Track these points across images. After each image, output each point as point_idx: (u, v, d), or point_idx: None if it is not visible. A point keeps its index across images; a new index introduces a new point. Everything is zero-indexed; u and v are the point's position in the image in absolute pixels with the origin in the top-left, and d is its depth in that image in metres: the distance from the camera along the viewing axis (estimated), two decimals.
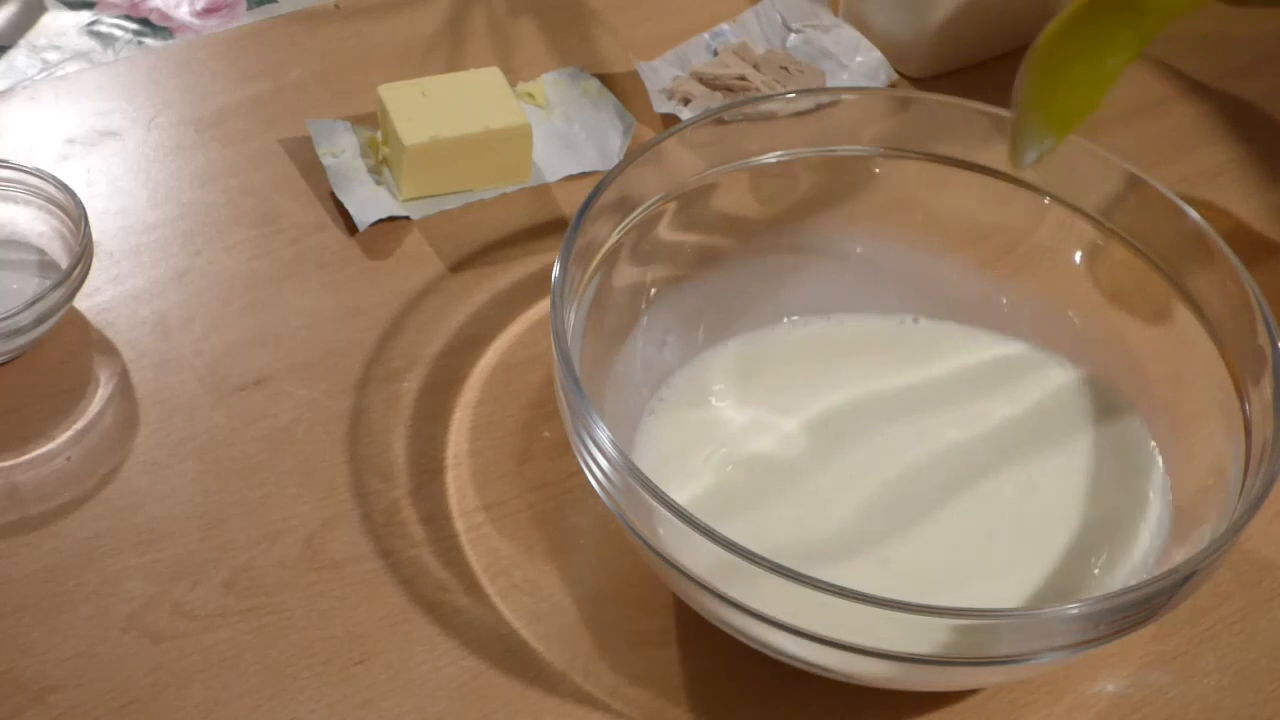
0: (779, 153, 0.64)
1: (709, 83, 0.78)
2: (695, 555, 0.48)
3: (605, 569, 0.57)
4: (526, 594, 0.57)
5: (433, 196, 0.72)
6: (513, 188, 0.73)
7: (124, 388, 0.63)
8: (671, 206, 0.62)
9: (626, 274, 0.61)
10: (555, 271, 0.54)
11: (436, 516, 0.59)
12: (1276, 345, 0.53)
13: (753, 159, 0.63)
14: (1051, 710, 0.54)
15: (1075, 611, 0.47)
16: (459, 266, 0.69)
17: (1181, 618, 0.57)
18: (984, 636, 0.48)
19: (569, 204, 0.73)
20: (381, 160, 0.74)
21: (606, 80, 0.79)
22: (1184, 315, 0.58)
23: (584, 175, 0.74)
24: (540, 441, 0.62)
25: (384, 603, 0.56)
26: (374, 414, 0.63)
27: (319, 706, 0.53)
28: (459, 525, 0.59)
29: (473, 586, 0.57)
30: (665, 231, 0.62)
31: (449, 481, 0.60)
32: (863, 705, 0.54)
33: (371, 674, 0.54)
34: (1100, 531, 0.56)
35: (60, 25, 0.85)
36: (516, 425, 0.62)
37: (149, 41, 0.84)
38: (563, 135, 0.76)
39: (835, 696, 0.54)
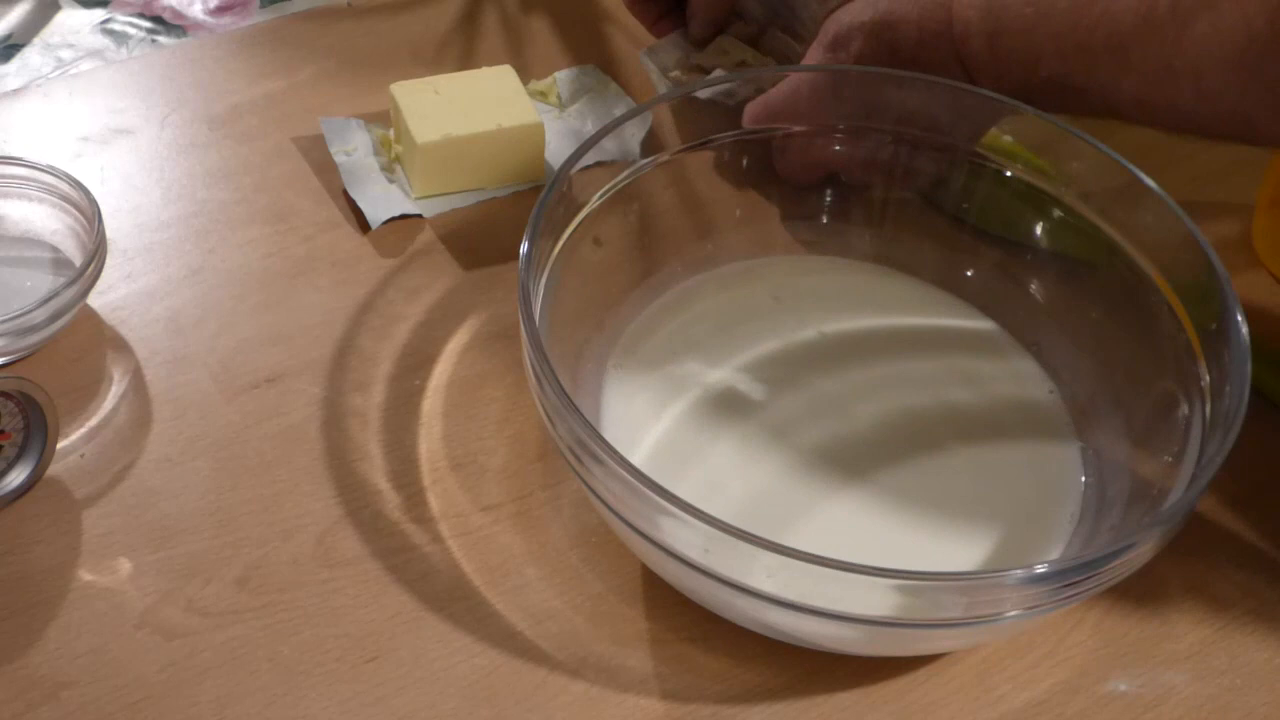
0: (761, 128, 0.65)
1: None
2: (655, 520, 0.49)
3: (620, 567, 0.57)
4: (540, 591, 0.57)
5: (445, 194, 0.72)
6: (525, 185, 0.73)
7: (137, 385, 0.63)
8: (651, 173, 0.63)
9: (596, 245, 0.61)
10: (523, 247, 0.54)
11: (450, 513, 0.59)
12: (1237, 321, 0.53)
13: (733, 133, 0.65)
14: (1065, 709, 0.54)
15: (1021, 575, 0.47)
16: (472, 264, 0.69)
17: (1195, 618, 0.57)
18: (935, 599, 0.49)
19: None
20: (394, 158, 0.74)
21: (619, 78, 0.79)
22: (1152, 295, 0.59)
23: None
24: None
25: (396, 600, 0.56)
26: (387, 411, 0.63)
27: (331, 703, 0.53)
28: (473, 522, 0.59)
29: (486, 583, 0.57)
30: (641, 200, 0.63)
31: (463, 478, 0.60)
32: (880, 679, 0.54)
33: (383, 671, 0.54)
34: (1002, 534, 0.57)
35: (74, 23, 0.85)
36: (530, 422, 0.62)
37: (162, 39, 0.84)
38: (576, 133, 0.76)
39: (862, 675, 0.54)
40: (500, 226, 0.71)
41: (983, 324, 0.64)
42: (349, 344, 0.66)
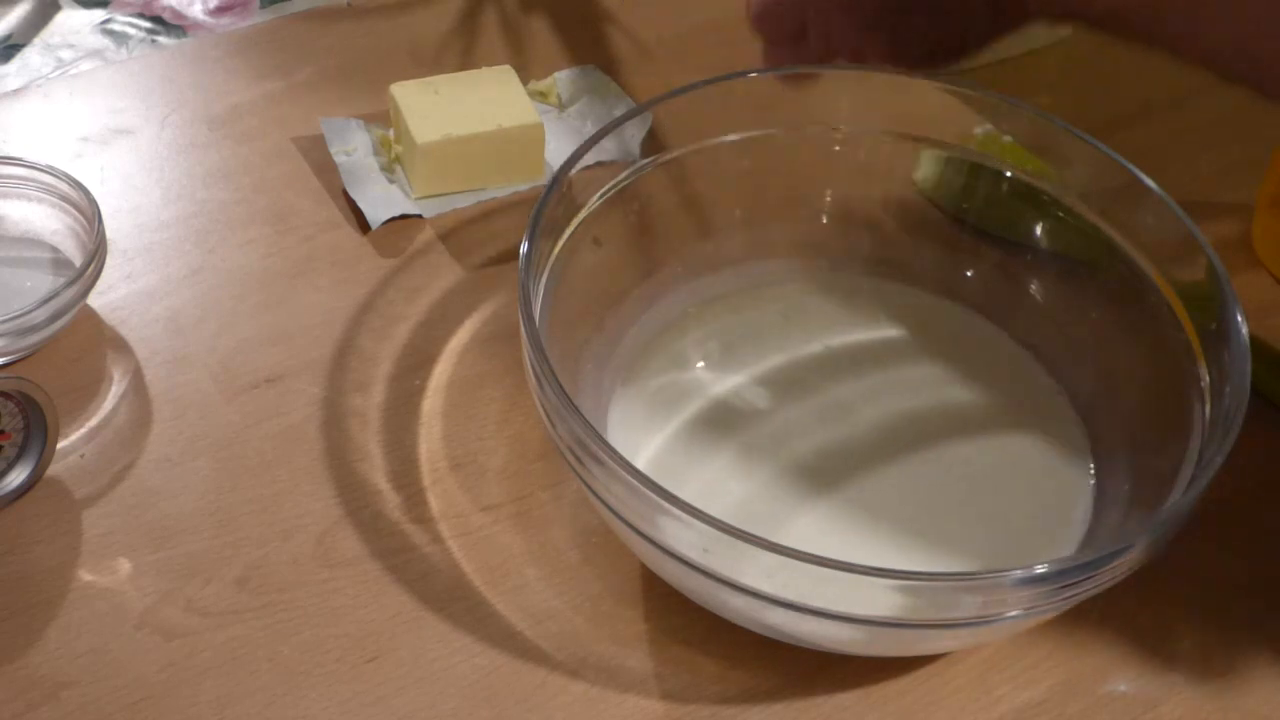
0: (761, 129, 0.65)
1: None
2: (651, 519, 0.49)
3: (620, 567, 0.57)
4: (540, 591, 0.57)
5: (445, 195, 0.72)
6: (525, 186, 0.73)
7: (137, 385, 0.63)
8: (651, 173, 0.63)
9: (596, 245, 0.61)
10: (523, 247, 0.55)
11: (449, 514, 0.59)
12: (1237, 321, 0.53)
13: (732, 134, 0.64)
14: (1065, 709, 0.54)
15: (1021, 575, 0.47)
16: (472, 265, 0.69)
17: (1195, 618, 0.57)
18: (935, 599, 0.49)
19: None
20: (394, 158, 0.74)
21: (619, 78, 0.79)
22: (1152, 295, 0.59)
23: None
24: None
25: (396, 600, 0.56)
26: (387, 411, 0.63)
27: (331, 704, 0.53)
28: (473, 522, 0.59)
29: (485, 584, 0.57)
30: (641, 200, 0.63)
31: (463, 478, 0.60)
32: (880, 678, 0.54)
33: (383, 671, 0.54)
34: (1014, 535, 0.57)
35: (74, 24, 0.85)
36: (530, 422, 0.62)
37: (162, 40, 0.84)
38: (576, 133, 0.76)
39: (862, 675, 0.54)
40: (500, 226, 0.71)
41: (985, 328, 0.64)
42: (349, 344, 0.66)
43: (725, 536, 0.47)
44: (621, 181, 0.61)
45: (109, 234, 0.66)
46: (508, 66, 0.75)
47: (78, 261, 0.65)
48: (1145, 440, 0.57)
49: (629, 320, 0.63)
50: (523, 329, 0.52)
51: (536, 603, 0.56)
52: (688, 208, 0.65)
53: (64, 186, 0.65)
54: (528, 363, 0.52)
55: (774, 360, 0.63)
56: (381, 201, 0.71)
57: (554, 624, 0.56)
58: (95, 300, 0.66)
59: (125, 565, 0.57)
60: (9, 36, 0.84)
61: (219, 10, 0.86)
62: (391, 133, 0.74)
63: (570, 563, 0.58)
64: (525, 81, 0.76)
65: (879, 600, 0.48)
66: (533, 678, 0.54)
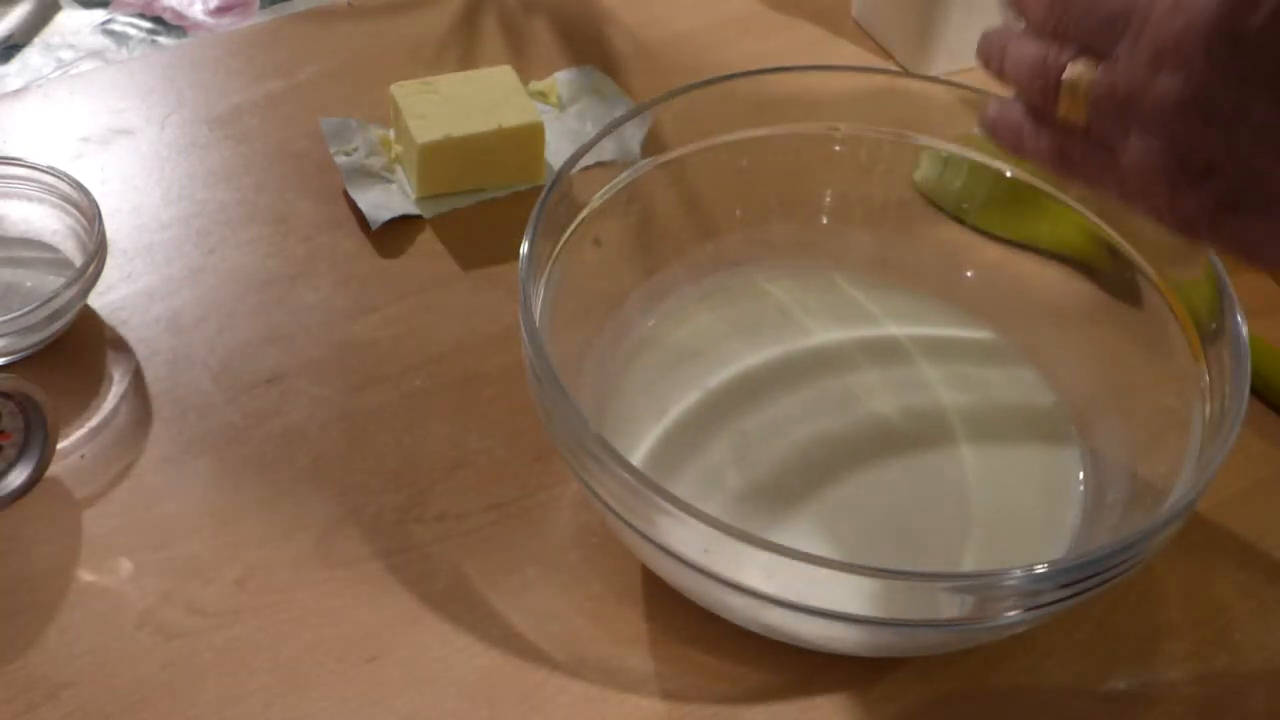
0: (761, 129, 0.65)
1: None
2: (653, 519, 0.50)
3: (620, 567, 0.57)
4: (539, 592, 0.57)
5: (445, 195, 0.72)
6: (525, 185, 0.73)
7: (137, 385, 0.63)
8: (651, 173, 0.63)
9: (596, 245, 0.61)
10: (524, 247, 0.55)
11: (449, 514, 0.59)
12: (1237, 321, 0.53)
13: (732, 134, 0.64)
14: (1065, 709, 0.54)
15: (1022, 575, 0.47)
16: (471, 265, 0.69)
17: (1195, 618, 0.57)
18: (935, 599, 0.49)
19: None
20: (394, 158, 0.74)
21: (619, 78, 0.79)
22: (1152, 295, 0.59)
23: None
24: None
25: (396, 601, 0.56)
26: (387, 412, 0.63)
27: (331, 704, 0.53)
28: (473, 522, 0.59)
29: (486, 583, 0.57)
30: (641, 200, 0.63)
31: (462, 479, 0.60)
32: (880, 679, 0.54)
33: (383, 672, 0.54)
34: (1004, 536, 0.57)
35: (75, 24, 0.85)
36: (529, 423, 0.62)
37: (162, 40, 0.84)
38: (575, 134, 0.76)
39: (862, 675, 0.54)
40: (500, 226, 0.71)
41: (983, 333, 0.64)
42: (349, 344, 0.66)
43: (725, 536, 0.47)
44: (621, 181, 0.61)
45: (109, 234, 0.66)
46: (508, 66, 0.75)
47: (78, 261, 0.65)
48: (1145, 440, 0.57)
49: (629, 320, 0.63)
50: (523, 329, 0.52)
51: (536, 603, 0.56)
52: (688, 208, 0.65)
53: (64, 187, 0.66)
54: (528, 363, 0.52)
55: (773, 360, 0.63)
56: (381, 201, 0.71)
57: (554, 624, 0.56)
58: (95, 300, 0.66)
59: (125, 565, 0.57)
60: (9, 36, 0.84)
61: (219, 10, 0.86)
62: (391, 133, 0.74)
63: (570, 563, 0.58)
64: (525, 81, 0.76)
65: (878, 600, 0.48)
66: (533, 678, 0.54)
